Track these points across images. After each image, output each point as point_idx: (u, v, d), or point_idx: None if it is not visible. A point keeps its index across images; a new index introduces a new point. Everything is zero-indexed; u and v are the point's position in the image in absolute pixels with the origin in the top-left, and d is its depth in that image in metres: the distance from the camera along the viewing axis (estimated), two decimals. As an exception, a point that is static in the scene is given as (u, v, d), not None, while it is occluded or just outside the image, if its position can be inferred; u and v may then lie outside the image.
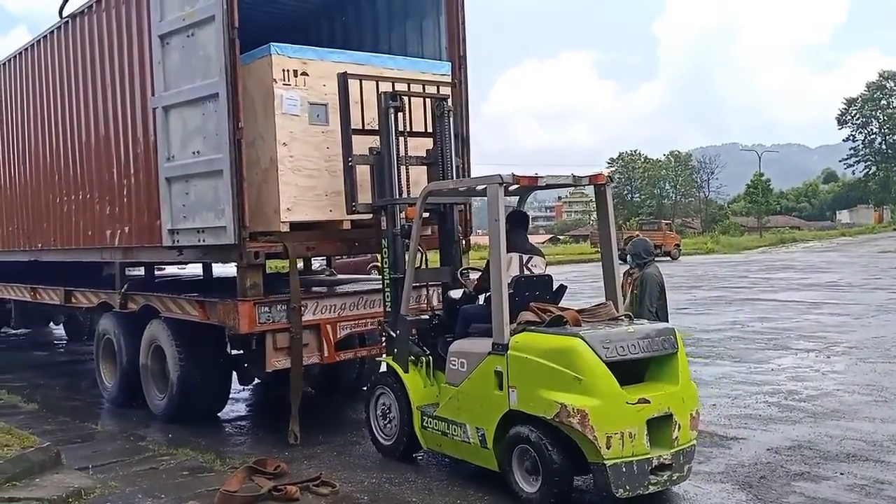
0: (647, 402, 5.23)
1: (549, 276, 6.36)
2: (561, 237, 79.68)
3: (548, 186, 6.49)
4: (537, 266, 6.42)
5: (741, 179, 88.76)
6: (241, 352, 8.06)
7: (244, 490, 5.80)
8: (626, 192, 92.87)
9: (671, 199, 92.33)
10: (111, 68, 8.74)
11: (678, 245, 42.23)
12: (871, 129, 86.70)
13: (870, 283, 22.25)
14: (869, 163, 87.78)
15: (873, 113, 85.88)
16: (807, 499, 5.51)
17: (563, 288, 6.42)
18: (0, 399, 9.79)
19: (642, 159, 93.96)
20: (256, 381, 9.20)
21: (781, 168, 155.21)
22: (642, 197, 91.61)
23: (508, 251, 5.91)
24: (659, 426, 5.31)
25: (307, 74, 7.26)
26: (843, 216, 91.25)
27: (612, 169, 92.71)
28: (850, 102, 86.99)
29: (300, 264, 9.32)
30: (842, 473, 6.02)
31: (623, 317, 5.86)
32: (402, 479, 6.16)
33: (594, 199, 6.43)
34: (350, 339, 7.65)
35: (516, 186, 6.14)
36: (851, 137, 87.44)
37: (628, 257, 7.37)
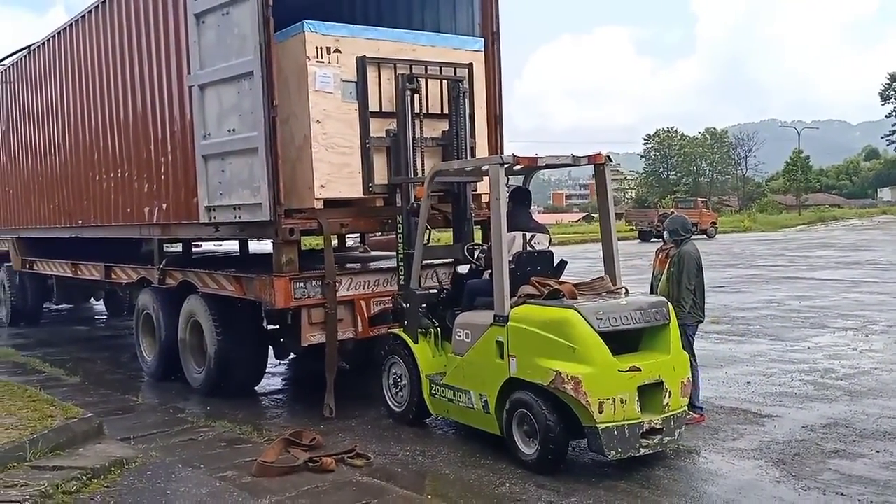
0: (638, 369, 5.54)
1: (551, 252, 6.75)
2: (595, 215, 78.98)
3: (548, 167, 6.81)
4: (540, 243, 6.79)
5: (780, 156, 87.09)
6: (277, 327, 8.19)
7: (281, 461, 5.92)
8: (661, 169, 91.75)
9: (708, 177, 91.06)
10: (148, 47, 8.85)
11: (714, 223, 41.79)
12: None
13: (911, 262, 21.85)
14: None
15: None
16: (841, 476, 5.48)
17: (563, 263, 6.80)
18: (44, 372, 10.04)
19: (679, 136, 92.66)
20: (292, 356, 9.33)
21: (822, 145, 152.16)
22: (678, 174, 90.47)
23: (511, 229, 6.30)
24: (650, 393, 5.62)
25: (340, 52, 7.30)
26: (885, 194, 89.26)
27: (649, 146, 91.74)
28: (894, 77, 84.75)
29: (334, 241, 9.40)
30: (878, 451, 5.97)
31: (619, 290, 6.19)
32: (436, 452, 6.24)
33: (594, 179, 6.63)
34: (384, 314, 7.71)
35: (518, 167, 6.46)
36: (894, 113, 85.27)
37: (665, 233, 7.31)
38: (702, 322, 7.10)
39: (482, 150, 8.13)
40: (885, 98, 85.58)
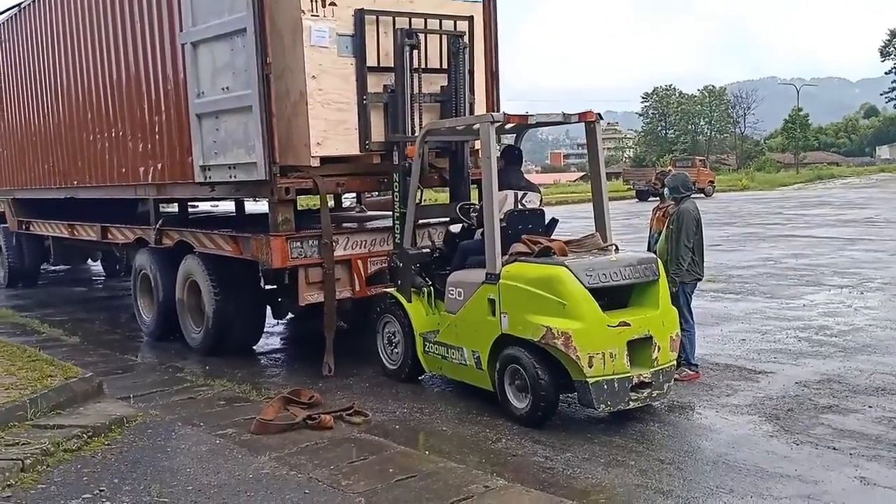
0: (627, 324, 5.63)
1: (542, 211, 6.80)
2: (593, 174, 78.49)
3: (538, 125, 6.83)
4: (531, 201, 6.85)
5: (779, 114, 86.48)
6: (275, 286, 8.19)
7: (280, 419, 5.98)
8: (659, 128, 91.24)
9: (706, 136, 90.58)
10: (139, 3, 8.72)
11: (712, 182, 41.65)
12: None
13: (908, 220, 21.86)
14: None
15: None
16: (833, 431, 5.54)
17: (554, 221, 6.85)
18: (43, 332, 10.07)
19: (677, 94, 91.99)
20: (290, 315, 9.36)
21: (821, 102, 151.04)
22: (676, 133, 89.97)
23: (503, 187, 6.37)
24: (639, 347, 5.73)
25: (335, 5, 7.16)
26: (883, 152, 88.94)
27: (647, 105, 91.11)
28: (894, 34, 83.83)
29: (331, 202, 9.37)
30: (870, 407, 6.03)
31: (609, 247, 6.26)
32: (433, 409, 6.31)
33: (585, 137, 6.77)
34: (381, 274, 7.72)
35: (510, 126, 6.51)
36: (894, 70, 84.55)
37: (665, 191, 7.29)
38: (700, 280, 7.12)
39: (480, 106, 8.05)
40: (884, 55, 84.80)
